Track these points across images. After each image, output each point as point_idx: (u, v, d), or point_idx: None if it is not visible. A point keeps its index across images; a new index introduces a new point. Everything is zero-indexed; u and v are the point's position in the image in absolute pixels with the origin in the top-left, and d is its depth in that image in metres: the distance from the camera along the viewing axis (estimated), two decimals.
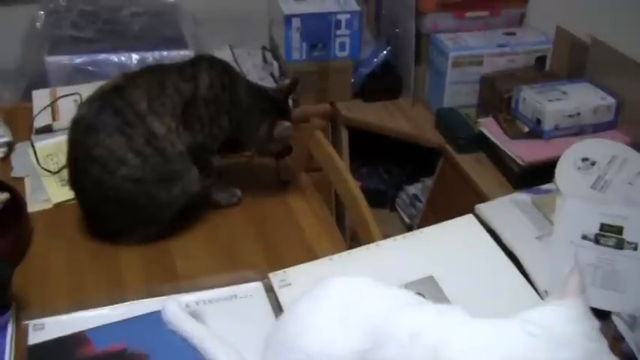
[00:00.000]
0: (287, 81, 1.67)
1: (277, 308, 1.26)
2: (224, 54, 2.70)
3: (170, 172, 1.47)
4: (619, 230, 1.46)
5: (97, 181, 1.44)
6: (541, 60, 2.43)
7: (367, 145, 2.72)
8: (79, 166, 1.47)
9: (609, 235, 1.45)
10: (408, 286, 1.26)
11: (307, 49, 2.60)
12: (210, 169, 1.57)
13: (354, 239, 1.68)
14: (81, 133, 1.45)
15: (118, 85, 1.48)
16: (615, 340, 1.23)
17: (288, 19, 2.55)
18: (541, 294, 1.31)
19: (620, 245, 1.43)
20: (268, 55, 2.83)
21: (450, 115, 2.41)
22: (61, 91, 2.03)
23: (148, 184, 1.45)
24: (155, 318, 1.21)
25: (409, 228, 2.67)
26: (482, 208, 1.56)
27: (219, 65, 1.57)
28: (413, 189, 2.75)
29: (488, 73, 2.39)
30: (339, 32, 2.59)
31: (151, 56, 2.47)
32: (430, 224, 1.47)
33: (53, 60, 2.42)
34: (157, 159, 1.45)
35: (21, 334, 1.22)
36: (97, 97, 1.48)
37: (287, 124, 1.57)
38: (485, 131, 2.19)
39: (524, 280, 1.32)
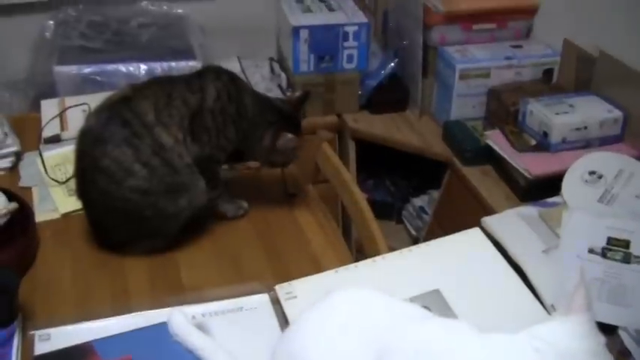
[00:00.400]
0: (297, 93, 1.66)
1: (283, 320, 1.26)
2: (232, 65, 2.71)
3: (177, 184, 1.47)
4: (626, 244, 1.46)
5: (104, 191, 1.45)
6: (548, 72, 2.43)
7: (374, 157, 2.72)
8: (87, 177, 1.47)
9: (616, 249, 1.45)
10: (414, 299, 1.26)
11: (315, 60, 2.60)
12: (217, 181, 1.57)
13: (360, 251, 1.67)
14: (89, 143, 1.46)
15: (126, 96, 1.48)
16: (621, 355, 1.23)
17: (296, 30, 2.56)
18: (547, 308, 1.30)
19: (627, 259, 1.43)
20: (276, 66, 2.83)
21: (456, 127, 2.41)
22: (70, 101, 2.04)
23: (155, 196, 1.45)
24: (161, 329, 1.21)
25: (415, 240, 2.66)
26: (488, 220, 1.56)
27: (225, 76, 1.57)
28: (419, 201, 2.75)
29: (495, 86, 2.39)
30: (346, 44, 2.59)
31: (159, 67, 2.47)
32: (436, 237, 1.46)
33: (62, 70, 2.43)
34: (165, 170, 1.45)
35: (27, 344, 1.23)
36: (104, 107, 1.48)
37: (290, 136, 1.56)
38: (492, 144, 2.19)
39: (530, 294, 1.32)
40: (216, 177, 1.57)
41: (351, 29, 2.58)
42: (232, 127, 1.54)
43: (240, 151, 1.60)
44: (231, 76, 1.58)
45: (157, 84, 1.53)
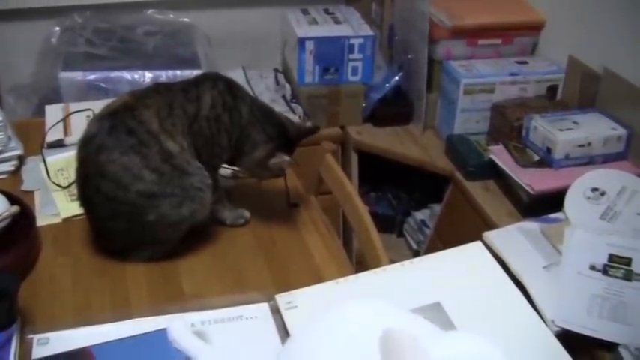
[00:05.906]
0: (309, 124, 1.66)
1: (283, 330, 1.26)
2: (237, 75, 2.72)
3: (186, 187, 1.46)
4: (628, 261, 1.46)
5: (110, 197, 1.44)
6: (552, 89, 2.43)
7: (376, 170, 2.72)
8: (90, 183, 1.46)
9: (617, 266, 1.45)
10: (414, 311, 1.25)
11: (319, 72, 2.61)
12: (215, 184, 1.56)
13: (360, 262, 1.67)
14: (92, 151, 1.44)
15: (127, 103, 1.48)
16: None
17: (301, 41, 2.57)
18: (547, 323, 1.30)
19: (628, 277, 1.43)
20: (280, 77, 2.84)
21: (460, 142, 2.41)
22: (74, 106, 2.04)
23: (159, 200, 1.45)
24: (160, 336, 1.20)
25: (416, 254, 2.66)
26: (490, 235, 1.56)
27: (222, 84, 1.56)
28: (421, 215, 2.74)
29: (499, 101, 2.39)
30: (351, 56, 2.60)
31: (164, 75, 2.48)
32: (437, 250, 1.46)
33: (67, 75, 2.44)
34: (175, 174, 1.45)
35: (25, 348, 1.22)
36: (106, 115, 1.48)
37: (286, 158, 1.56)
38: (495, 159, 2.19)
39: (531, 309, 1.31)
40: (214, 180, 1.56)
41: (356, 42, 2.59)
42: (225, 136, 1.54)
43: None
44: (229, 84, 1.57)
45: (158, 93, 1.52)
